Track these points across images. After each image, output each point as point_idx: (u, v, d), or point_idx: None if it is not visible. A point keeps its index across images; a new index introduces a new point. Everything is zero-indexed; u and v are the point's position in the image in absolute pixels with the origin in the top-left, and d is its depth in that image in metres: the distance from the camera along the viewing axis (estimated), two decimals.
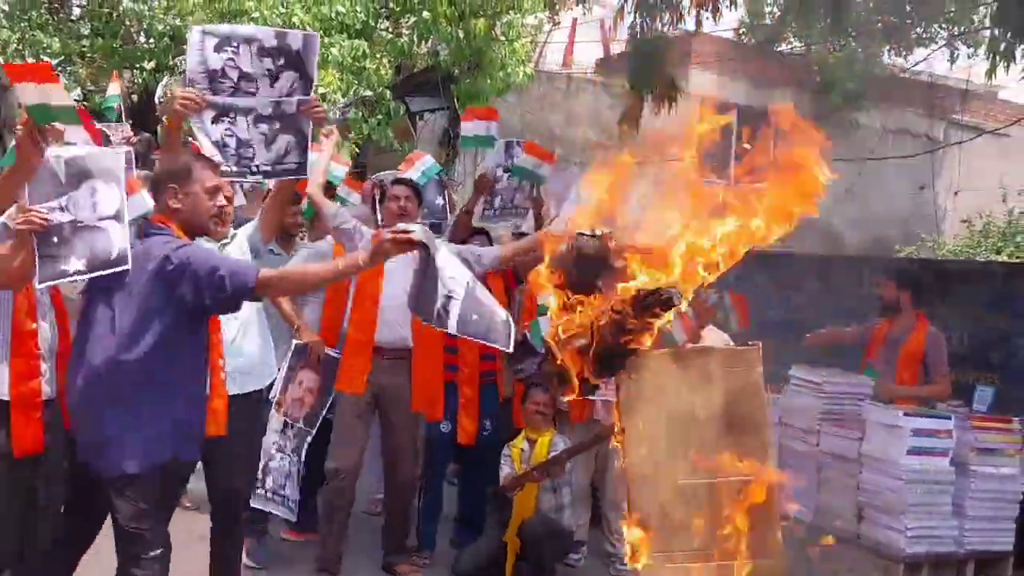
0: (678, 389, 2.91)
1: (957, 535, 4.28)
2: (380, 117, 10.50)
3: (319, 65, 3.87)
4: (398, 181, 5.14)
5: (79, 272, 3.10)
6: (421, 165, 5.85)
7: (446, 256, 3.23)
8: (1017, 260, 12.47)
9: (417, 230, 3.07)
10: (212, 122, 3.62)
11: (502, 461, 5.13)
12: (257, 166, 3.70)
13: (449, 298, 3.17)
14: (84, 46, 12.93)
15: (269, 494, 4.68)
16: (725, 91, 16.37)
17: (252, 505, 4.62)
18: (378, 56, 10.62)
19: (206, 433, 3.34)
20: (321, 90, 9.92)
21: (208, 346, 3.35)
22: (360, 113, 10.48)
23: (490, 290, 5.30)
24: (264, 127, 3.68)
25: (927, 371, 5.31)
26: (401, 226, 3.11)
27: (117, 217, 3.13)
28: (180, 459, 3.26)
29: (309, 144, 3.79)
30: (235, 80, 3.63)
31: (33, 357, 3.38)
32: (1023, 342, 6.14)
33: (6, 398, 3.30)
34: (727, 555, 2.84)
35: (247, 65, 3.62)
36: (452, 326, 3.14)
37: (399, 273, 4.76)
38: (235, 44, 3.59)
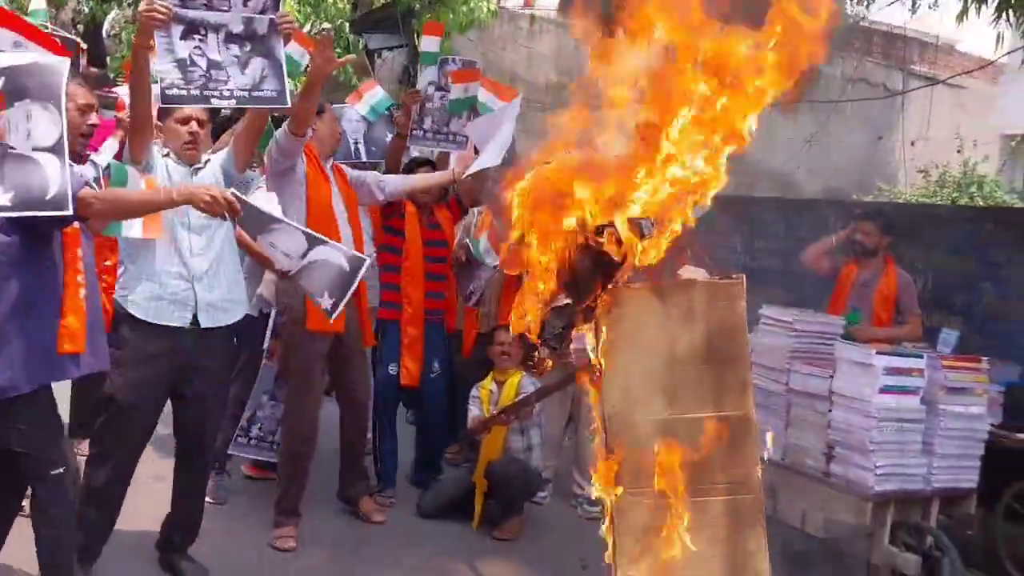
0: (659, 324, 2.84)
1: (925, 473, 4.29)
2: (338, 51, 10.17)
3: None
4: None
5: (4, 208, 2.80)
6: (370, 98, 5.62)
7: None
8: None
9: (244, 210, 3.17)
10: (180, 38, 3.40)
11: (470, 403, 5.07)
12: (231, 91, 3.50)
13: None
14: None
15: (253, 442, 4.71)
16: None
17: (230, 452, 4.56)
18: None
19: (59, 349, 3.16)
20: None
21: (61, 264, 3.18)
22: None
23: (438, 225, 5.24)
24: (235, 48, 3.49)
25: (899, 313, 5.35)
26: (230, 192, 3.15)
27: (55, 150, 2.83)
28: (46, 380, 3.18)
29: (284, 70, 3.61)
30: None
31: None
32: (987, 287, 6.19)
33: None
34: (704, 492, 2.81)
35: None
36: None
37: (339, 203, 4.62)
38: None
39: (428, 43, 5.59)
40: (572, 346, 4.83)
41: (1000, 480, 4.77)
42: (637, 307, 2.84)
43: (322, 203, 4.48)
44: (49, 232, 3.10)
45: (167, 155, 3.76)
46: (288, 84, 3.70)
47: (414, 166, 5.42)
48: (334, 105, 5.72)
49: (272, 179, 4.53)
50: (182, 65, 3.43)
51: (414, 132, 5.40)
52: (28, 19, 6.20)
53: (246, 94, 3.54)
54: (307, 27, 10.36)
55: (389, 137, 5.60)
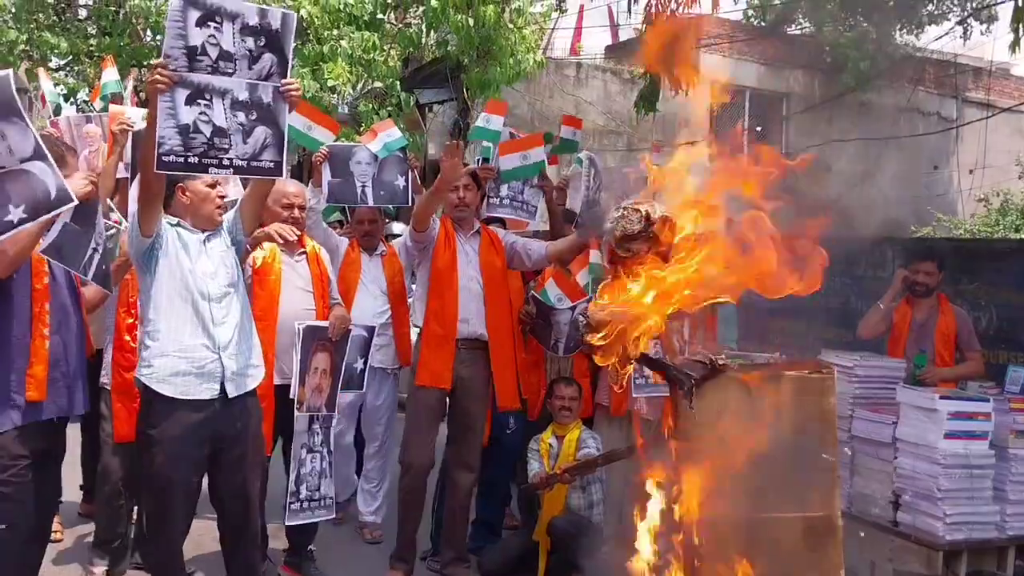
0: (743, 418, 2.76)
1: (998, 520, 4.18)
2: (390, 109, 10.40)
3: (292, 51, 3.50)
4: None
5: (23, 220, 3.02)
6: (385, 136, 5.38)
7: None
8: None
9: None
10: (185, 103, 3.27)
11: (529, 455, 5.05)
12: (231, 160, 3.38)
13: (95, 251, 3.54)
14: (91, 45, 12.88)
15: (304, 504, 4.45)
16: (735, 74, 16.23)
17: (287, 523, 4.48)
18: (387, 48, 10.53)
19: (26, 398, 3.34)
20: (331, 83, 9.84)
21: (18, 316, 3.36)
22: (371, 106, 10.39)
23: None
24: (242, 116, 3.37)
25: (959, 350, 5.26)
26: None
27: (37, 155, 3.03)
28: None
29: (285, 141, 3.50)
30: (214, 59, 3.30)
31: (130, 350, 4.15)
32: None
33: None
34: None
35: (228, 43, 3.30)
36: (90, 275, 3.53)
37: (470, 268, 4.78)
38: (218, 20, 3.27)
39: (488, 120, 5.62)
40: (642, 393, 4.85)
41: None
42: (721, 399, 2.77)
43: (442, 269, 4.71)
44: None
45: (177, 224, 3.72)
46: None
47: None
48: (343, 143, 5.71)
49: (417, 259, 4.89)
50: (184, 131, 3.28)
51: (490, 200, 5.45)
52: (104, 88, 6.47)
53: (244, 163, 3.42)
54: (359, 86, 10.59)
55: (400, 180, 5.40)
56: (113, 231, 4.30)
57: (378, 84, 10.24)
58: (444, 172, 4.49)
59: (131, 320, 4.33)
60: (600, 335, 2.94)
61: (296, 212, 4.51)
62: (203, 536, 4.54)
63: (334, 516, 4.80)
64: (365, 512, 5.53)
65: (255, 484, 3.86)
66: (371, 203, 5.35)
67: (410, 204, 5.42)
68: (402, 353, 5.41)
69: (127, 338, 4.37)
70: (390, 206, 5.69)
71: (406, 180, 5.35)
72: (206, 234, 3.76)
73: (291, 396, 4.34)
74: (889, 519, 4.29)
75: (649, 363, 3.03)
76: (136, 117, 5.09)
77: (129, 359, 4.30)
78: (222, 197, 3.79)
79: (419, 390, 4.75)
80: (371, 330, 4.81)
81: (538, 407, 5.32)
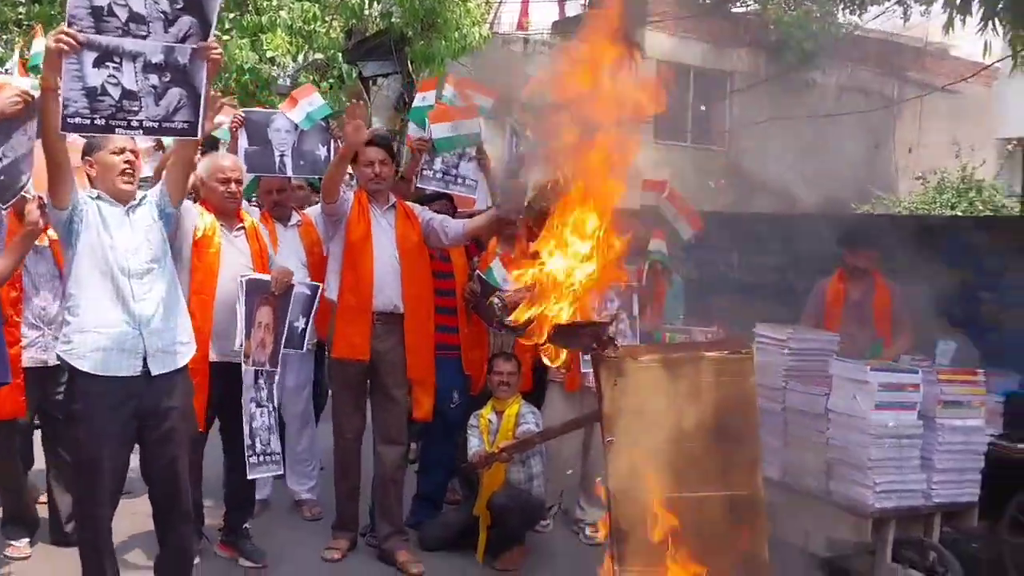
0: (665, 399, 2.80)
1: (925, 488, 4.28)
2: (332, 81, 10.25)
3: (216, 15, 3.33)
4: (371, 142, 4.86)
5: None
6: (307, 105, 5.16)
7: None
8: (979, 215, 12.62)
9: None
10: (93, 65, 3.16)
11: (469, 432, 5.05)
12: (140, 121, 3.28)
13: None
14: (20, 13, 12.47)
15: (261, 458, 4.38)
16: (680, 52, 16.31)
17: (249, 477, 4.41)
18: (328, 18, 10.35)
19: None
20: (270, 54, 9.65)
21: None
22: (312, 77, 10.23)
23: (447, 258, 5.26)
24: (154, 78, 3.26)
25: (894, 324, 5.37)
26: None
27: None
28: None
29: (203, 102, 3.37)
30: (123, 20, 3.17)
31: (14, 325, 3.82)
32: (985, 296, 6.18)
33: None
34: (710, 573, 2.77)
35: (139, 5, 3.18)
36: None
37: (386, 241, 4.75)
38: None
39: (424, 99, 5.51)
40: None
41: (1003, 492, 4.73)
42: (644, 381, 2.79)
43: (356, 242, 4.69)
44: None
45: (97, 197, 3.62)
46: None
47: (430, 200, 5.43)
48: (259, 110, 5.56)
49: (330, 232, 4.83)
50: (91, 94, 3.18)
51: (424, 172, 5.39)
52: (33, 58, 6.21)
53: (156, 124, 3.33)
54: (299, 58, 10.41)
55: (321, 150, 5.21)
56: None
57: (319, 56, 10.07)
58: (347, 135, 4.50)
59: (15, 294, 4.27)
60: (518, 317, 2.95)
61: (232, 187, 4.42)
62: (136, 515, 4.46)
63: (282, 472, 4.77)
64: (300, 491, 5.49)
65: (184, 462, 3.77)
66: (290, 173, 5.20)
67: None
68: (319, 326, 5.20)
69: (11, 312, 4.25)
70: (314, 177, 5.47)
71: (328, 150, 5.19)
72: (128, 206, 3.66)
73: (236, 348, 4.25)
74: (821, 488, 4.37)
75: (561, 335, 3.01)
76: (25, 86, 4.88)
77: (13, 334, 4.23)
78: (129, 163, 3.64)
79: (338, 363, 4.76)
80: (315, 288, 4.69)
81: (481, 382, 5.31)
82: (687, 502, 2.77)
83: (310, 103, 5.14)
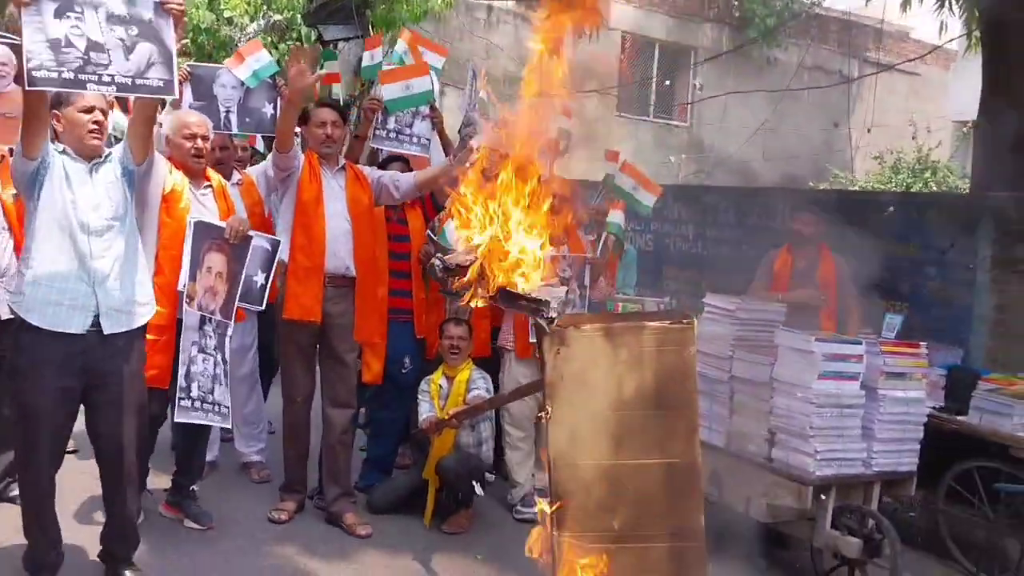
0: (606, 368, 2.80)
1: (865, 457, 4.35)
2: (290, 43, 10.09)
3: None
4: (322, 104, 4.85)
5: None
6: (254, 62, 5.05)
7: None
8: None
9: None
10: (54, 16, 3.08)
11: (420, 397, 5.06)
12: (112, 76, 3.20)
13: None
14: None
15: (196, 403, 4.20)
16: (645, 25, 16.30)
17: (177, 420, 4.30)
18: None
19: None
20: (228, 14, 9.48)
21: None
22: (270, 39, 10.06)
23: (404, 221, 5.25)
24: (120, 30, 3.19)
25: (840, 297, 5.49)
26: None
27: None
28: None
29: (174, 60, 3.31)
30: None
31: None
32: (931, 272, 6.29)
33: None
34: (647, 539, 2.80)
35: None
36: None
37: (337, 203, 4.70)
38: None
39: (372, 56, 5.45)
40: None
41: (941, 463, 4.85)
42: (586, 349, 2.79)
43: (308, 202, 4.63)
44: None
45: (63, 152, 3.57)
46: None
47: (387, 163, 5.40)
48: (204, 65, 5.44)
49: (278, 190, 4.76)
50: (55, 46, 3.09)
51: (376, 132, 5.34)
52: None
53: (129, 81, 3.22)
54: (259, 20, 10.23)
55: (268, 108, 5.12)
56: None
57: (278, 17, 9.90)
58: (291, 79, 4.46)
59: None
60: (460, 278, 2.95)
61: (199, 143, 4.34)
62: (85, 474, 4.41)
63: (229, 426, 4.66)
64: (248, 453, 5.46)
65: (131, 426, 3.71)
66: (235, 131, 5.13)
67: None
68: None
69: None
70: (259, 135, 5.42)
71: (275, 108, 5.11)
72: (93, 163, 3.60)
73: (179, 289, 4.15)
74: (764, 456, 4.43)
75: (505, 298, 3.02)
76: None
77: None
78: (97, 123, 3.58)
79: (289, 324, 4.70)
80: (275, 244, 4.52)
81: (435, 346, 5.32)
82: (625, 469, 2.79)
83: (257, 60, 5.05)
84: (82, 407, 3.67)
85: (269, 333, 5.50)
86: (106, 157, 3.67)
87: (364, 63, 5.37)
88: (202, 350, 4.22)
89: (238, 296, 4.26)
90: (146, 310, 3.73)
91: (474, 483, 4.81)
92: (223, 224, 4.22)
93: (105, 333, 3.53)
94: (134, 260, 3.67)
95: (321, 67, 6.14)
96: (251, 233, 4.30)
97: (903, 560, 4.22)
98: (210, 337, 4.24)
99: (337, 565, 4.31)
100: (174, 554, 4.22)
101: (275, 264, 4.51)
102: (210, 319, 4.21)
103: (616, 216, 5.83)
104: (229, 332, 4.29)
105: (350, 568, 4.30)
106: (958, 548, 4.94)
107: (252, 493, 5.11)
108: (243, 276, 4.26)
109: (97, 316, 3.51)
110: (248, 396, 5.43)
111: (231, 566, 4.17)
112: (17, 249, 4.36)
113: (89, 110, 3.57)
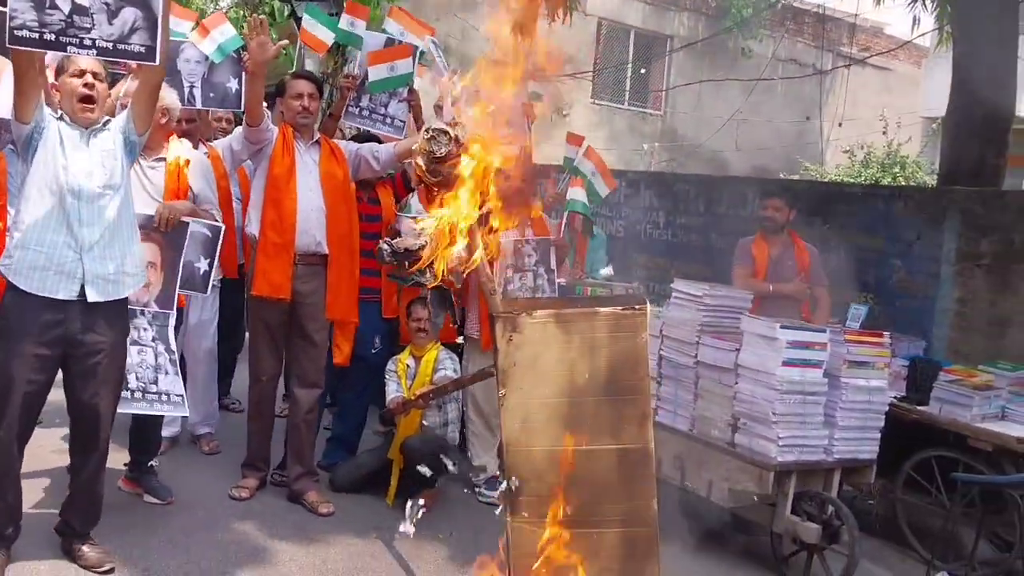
0: (558, 354, 2.80)
1: (826, 444, 4.40)
2: (263, 18, 9.94)
3: None
4: (299, 75, 4.77)
5: None
6: (219, 35, 4.92)
7: None
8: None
9: None
10: None
11: (387, 377, 5.05)
12: (93, 40, 3.19)
13: None
14: None
15: (137, 394, 4.10)
16: (622, 12, 16.28)
17: (119, 411, 4.09)
18: None
19: None
20: None
21: None
22: (242, 13, 9.92)
23: (376, 201, 5.21)
24: None
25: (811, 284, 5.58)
26: None
27: None
28: None
29: (159, 24, 3.28)
30: None
31: None
32: (897, 264, 6.36)
33: None
34: (599, 524, 2.81)
35: None
36: None
37: (310, 179, 4.64)
38: None
39: (352, 24, 5.31)
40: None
41: (900, 452, 4.92)
42: (538, 335, 2.79)
43: (279, 176, 4.57)
44: None
45: (60, 117, 3.58)
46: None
47: (359, 141, 5.33)
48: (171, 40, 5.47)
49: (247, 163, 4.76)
50: (40, 6, 3.11)
51: (349, 109, 5.28)
52: None
53: (110, 45, 3.23)
54: None
55: (232, 83, 5.00)
56: None
57: None
58: (251, 52, 4.46)
59: None
60: (409, 262, 2.94)
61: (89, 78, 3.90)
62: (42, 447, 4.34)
63: (185, 415, 4.61)
64: (198, 425, 5.41)
65: (108, 401, 3.71)
66: (199, 106, 5.05)
67: (242, 109, 5.11)
68: (224, 263, 5.09)
69: None
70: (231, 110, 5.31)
71: (239, 83, 5.01)
72: (90, 130, 3.61)
73: None
74: (727, 441, 4.46)
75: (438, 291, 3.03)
76: None
77: None
78: (88, 86, 3.56)
79: (258, 301, 4.65)
80: (216, 230, 4.32)
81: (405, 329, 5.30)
82: (579, 454, 2.79)
83: (221, 33, 4.94)
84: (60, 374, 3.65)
85: (230, 308, 5.45)
86: (104, 124, 3.66)
87: (342, 26, 5.28)
88: (135, 342, 4.09)
89: (178, 284, 4.17)
90: (135, 280, 3.71)
91: (443, 459, 4.80)
92: (150, 213, 4.08)
93: (89, 301, 3.52)
94: (125, 230, 3.66)
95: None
96: (186, 220, 4.17)
97: (861, 547, 4.28)
98: (145, 329, 4.14)
99: (298, 542, 4.28)
100: (132, 529, 4.17)
101: (218, 248, 4.35)
102: (142, 311, 4.09)
103: (577, 193, 5.77)
104: (171, 322, 4.18)
105: (312, 545, 4.27)
106: (914, 536, 5.02)
107: (213, 470, 5.07)
108: (181, 263, 4.16)
109: (83, 284, 3.50)
110: (204, 371, 5.36)
111: (191, 541, 4.13)
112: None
113: (80, 74, 3.58)
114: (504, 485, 2.92)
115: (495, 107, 2.94)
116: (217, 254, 4.36)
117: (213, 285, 4.80)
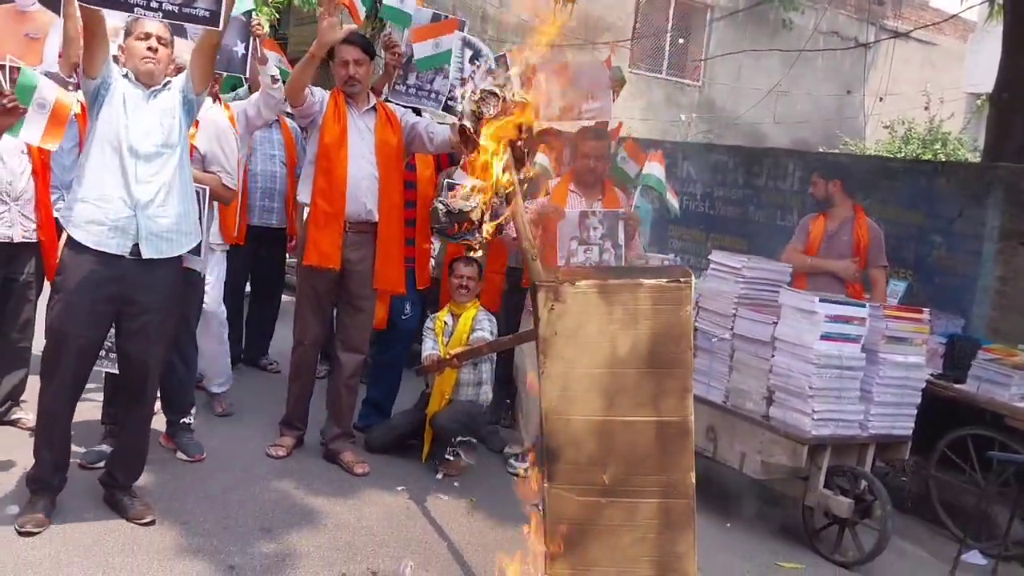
0: (600, 324, 2.78)
1: (862, 419, 4.38)
2: None
3: None
4: (348, 40, 4.56)
5: None
6: None
7: None
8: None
9: None
10: None
11: (424, 335, 5.09)
12: (160, 3, 3.28)
13: None
14: None
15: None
16: None
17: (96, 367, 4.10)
18: None
19: None
20: None
21: None
22: None
23: (412, 167, 5.20)
24: None
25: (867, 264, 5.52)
26: None
27: None
28: None
29: None
30: None
31: None
32: (938, 240, 6.28)
33: None
34: (636, 493, 2.81)
35: None
36: None
37: (363, 146, 4.63)
38: None
39: (403, 1, 5.19)
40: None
41: (936, 429, 4.89)
42: (580, 305, 2.78)
43: (330, 145, 4.55)
44: None
45: (126, 75, 3.66)
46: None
47: None
48: None
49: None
50: None
51: (396, 87, 5.23)
52: None
53: (176, 9, 3.33)
54: None
55: (239, 47, 4.93)
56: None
57: None
58: (320, 32, 4.34)
59: None
60: (463, 223, 2.95)
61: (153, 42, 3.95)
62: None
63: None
64: (211, 386, 5.44)
65: (157, 358, 3.78)
66: None
67: (247, 75, 5.12)
68: (224, 230, 5.10)
69: None
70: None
71: (246, 48, 4.95)
72: (151, 90, 3.67)
73: None
74: (762, 413, 4.46)
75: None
76: None
77: None
78: (151, 49, 3.64)
79: (308, 270, 4.67)
80: (200, 191, 4.11)
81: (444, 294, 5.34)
82: (617, 425, 2.79)
83: None
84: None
85: (267, 272, 5.48)
86: (165, 85, 3.72)
87: (390, 3, 5.20)
88: None
89: None
90: (189, 240, 3.77)
91: (469, 439, 4.86)
92: None
93: (144, 258, 3.58)
94: (181, 189, 3.72)
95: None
96: None
97: (893, 522, 4.28)
98: None
99: (334, 500, 4.35)
100: (172, 484, 4.25)
101: (204, 210, 4.13)
102: None
103: (656, 168, 5.55)
104: None
105: (346, 503, 4.33)
106: (947, 514, 5.00)
107: (252, 428, 5.15)
108: None
109: (137, 241, 3.57)
110: (213, 334, 5.30)
111: (228, 497, 4.21)
112: (35, 173, 4.42)
113: (145, 37, 3.65)
114: (526, 463, 2.92)
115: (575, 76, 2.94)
116: (204, 215, 4.11)
117: (211, 249, 4.78)
